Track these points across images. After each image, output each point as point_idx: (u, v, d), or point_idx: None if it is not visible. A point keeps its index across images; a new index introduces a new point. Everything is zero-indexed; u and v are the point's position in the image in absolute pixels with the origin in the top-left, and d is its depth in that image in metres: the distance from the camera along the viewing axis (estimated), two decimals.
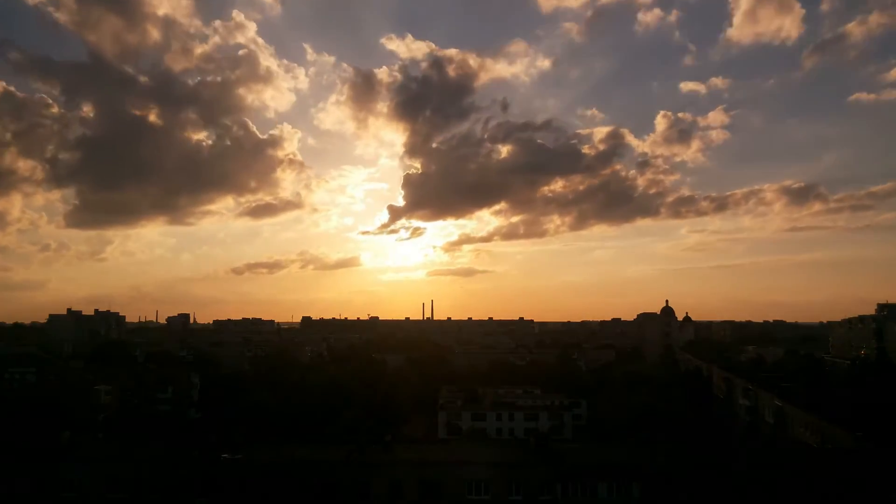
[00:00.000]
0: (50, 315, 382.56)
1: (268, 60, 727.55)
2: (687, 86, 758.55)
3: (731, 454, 55.82)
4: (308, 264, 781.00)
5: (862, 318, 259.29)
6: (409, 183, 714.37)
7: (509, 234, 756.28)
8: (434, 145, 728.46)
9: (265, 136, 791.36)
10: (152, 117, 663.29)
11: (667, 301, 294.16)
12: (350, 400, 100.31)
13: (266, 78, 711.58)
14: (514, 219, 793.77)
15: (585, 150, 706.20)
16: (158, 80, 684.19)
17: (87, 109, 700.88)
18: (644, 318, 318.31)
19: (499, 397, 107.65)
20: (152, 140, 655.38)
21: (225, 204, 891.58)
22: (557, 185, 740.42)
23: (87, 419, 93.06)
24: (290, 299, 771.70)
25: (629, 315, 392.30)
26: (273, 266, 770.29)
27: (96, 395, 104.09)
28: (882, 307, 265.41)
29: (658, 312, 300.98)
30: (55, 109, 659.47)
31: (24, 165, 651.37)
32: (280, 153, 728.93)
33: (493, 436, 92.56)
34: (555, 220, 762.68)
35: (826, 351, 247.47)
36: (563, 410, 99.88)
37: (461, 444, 67.69)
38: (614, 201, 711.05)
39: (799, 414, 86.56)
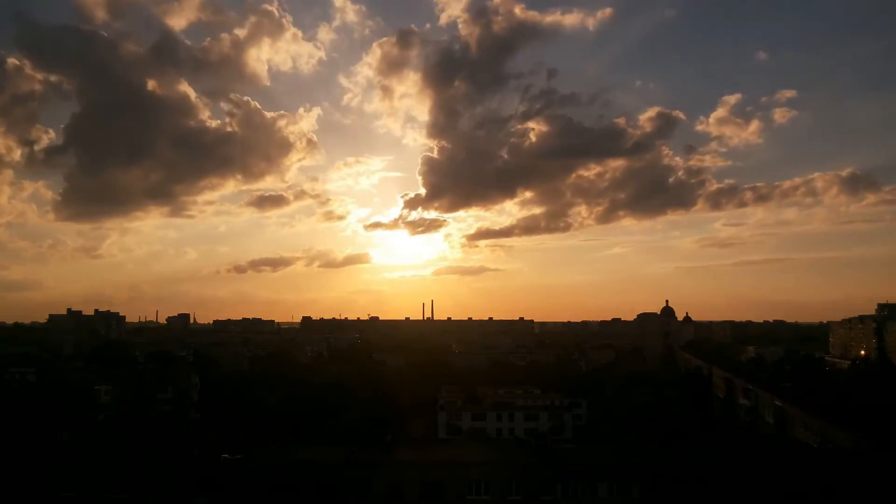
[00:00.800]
0: (50, 315, 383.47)
1: (285, 16, 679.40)
2: (759, 55, 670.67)
3: (731, 454, 55.80)
4: (314, 261, 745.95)
5: (862, 318, 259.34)
6: (430, 169, 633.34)
7: (530, 228, 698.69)
8: (463, 122, 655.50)
9: (276, 114, 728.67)
10: (149, 87, 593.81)
11: (667, 301, 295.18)
12: (350, 400, 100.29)
13: (281, 35, 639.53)
14: (538, 210, 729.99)
15: (630, 129, 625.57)
16: (155, 40, 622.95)
17: (74, 80, 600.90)
18: (644, 318, 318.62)
19: (499, 397, 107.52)
20: (149, 116, 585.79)
21: (229, 194, 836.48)
22: (591, 171, 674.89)
23: (87, 419, 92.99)
24: (290, 299, 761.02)
25: (629, 315, 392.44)
26: (277, 263, 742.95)
27: (96, 395, 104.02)
28: (882, 307, 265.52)
29: (658, 312, 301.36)
30: (36, 81, 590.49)
31: (3, 147, 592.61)
32: (292, 133, 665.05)
33: (493, 436, 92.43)
34: (581, 213, 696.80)
35: (826, 351, 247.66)
36: (563, 410, 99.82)
37: (461, 444, 67.60)
38: (650, 190, 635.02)
39: (799, 414, 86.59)
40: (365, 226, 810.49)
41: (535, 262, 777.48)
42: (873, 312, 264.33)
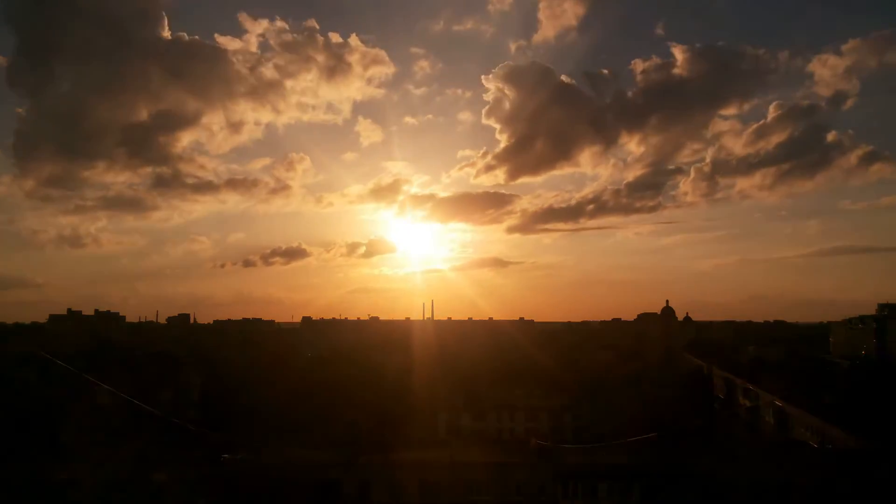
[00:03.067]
0: (50, 315, 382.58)
1: None
2: None
3: (732, 455, 55.76)
4: (335, 251, 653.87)
5: (862, 318, 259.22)
6: (513, 113, 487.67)
7: (607, 208, 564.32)
8: (582, 31, 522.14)
9: (306, 24, 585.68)
10: None
11: (667, 301, 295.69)
12: (350, 400, 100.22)
13: None
14: (635, 174, 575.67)
15: (818, 62, 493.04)
16: None
17: None
18: (644, 318, 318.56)
19: (499, 397, 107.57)
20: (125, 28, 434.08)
21: (242, 147, 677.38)
22: (733, 114, 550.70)
23: (87, 419, 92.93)
24: (290, 299, 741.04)
25: (630, 315, 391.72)
26: (295, 254, 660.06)
27: (96, 395, 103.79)
28: (882, 307, 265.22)
29: (658, 312, 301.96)
30: None
31: None
32: (320, 56, 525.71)
33: (493, 436, 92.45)
34: (685, 183, 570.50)
35: (827, 351, 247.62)
36: (564, 411, 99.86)
37: (461, 445, 67.60)
38: (791, 151, 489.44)
39: (799, 414, 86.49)
40: (413, 198, 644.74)
41: (590, 255, 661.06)
42: (874, 312, 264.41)
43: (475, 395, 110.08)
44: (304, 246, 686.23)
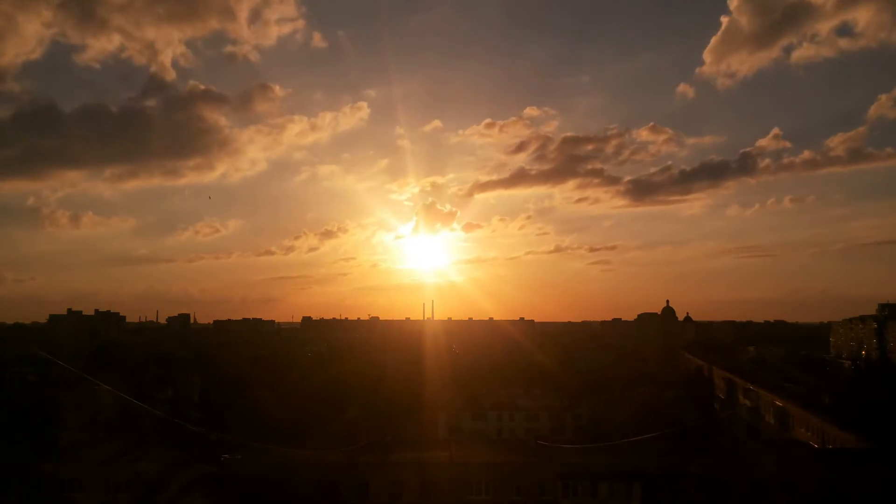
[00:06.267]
0: (50, 315, 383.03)
1: None
2: None
3: (732, 454, 55.75)
4: (374, 230, 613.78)
5: (863, 318, 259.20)
6: None
7: (758, 164, 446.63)
8: None
9: None
10: None
11: (667, 301, 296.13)
12: (350, 400, 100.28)
13: None
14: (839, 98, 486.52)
15: None
16: None
17: None
18: (644, 318, 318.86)
19: (499, 397, 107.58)
20: None
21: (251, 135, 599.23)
22: None
23: (87, 419, 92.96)
24: (290, 299, 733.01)
25: (630, 315, 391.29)
26: (326, 236, 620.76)
27: (96, 395, 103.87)
28: (883, 307, 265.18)
29: (658, 312, 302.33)
30: None
31: None
32: None
33: (493, 436, 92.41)
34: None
35: (827, 351, 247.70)
36: (564, 411, 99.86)
37: (461, 444, 67.56)
38: None
39: (800, 414, 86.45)
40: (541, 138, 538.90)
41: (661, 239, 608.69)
42: (874, 312, 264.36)
43: (475, 395, 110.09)
44: (347, 224, 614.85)
